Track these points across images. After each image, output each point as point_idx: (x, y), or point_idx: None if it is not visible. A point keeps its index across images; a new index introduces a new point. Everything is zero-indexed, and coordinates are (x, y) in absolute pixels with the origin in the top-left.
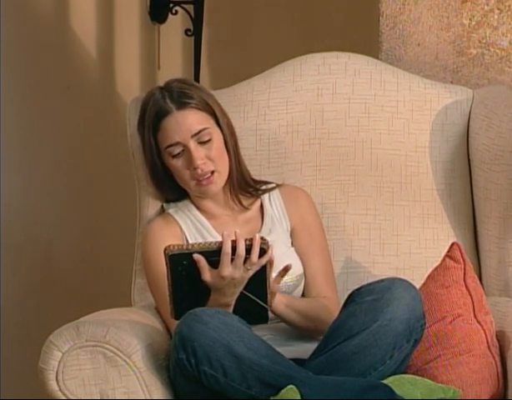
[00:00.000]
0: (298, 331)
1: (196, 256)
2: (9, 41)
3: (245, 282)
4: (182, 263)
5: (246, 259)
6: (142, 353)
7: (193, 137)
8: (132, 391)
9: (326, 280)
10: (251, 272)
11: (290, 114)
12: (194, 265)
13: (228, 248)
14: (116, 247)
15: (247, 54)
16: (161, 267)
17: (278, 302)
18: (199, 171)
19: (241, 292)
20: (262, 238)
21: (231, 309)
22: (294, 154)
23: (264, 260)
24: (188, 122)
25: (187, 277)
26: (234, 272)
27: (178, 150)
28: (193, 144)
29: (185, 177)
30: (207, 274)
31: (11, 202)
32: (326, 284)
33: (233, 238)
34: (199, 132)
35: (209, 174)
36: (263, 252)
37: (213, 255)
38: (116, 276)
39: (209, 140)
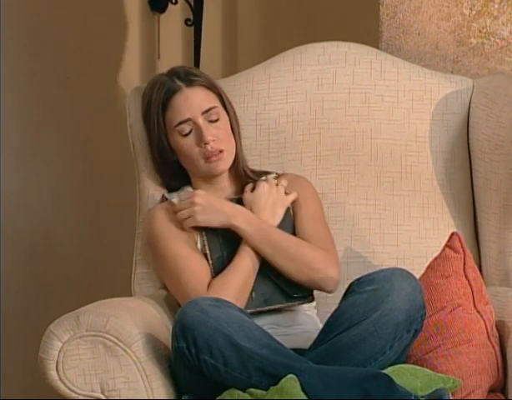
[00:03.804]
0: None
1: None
2: (8, 31)
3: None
4: None
5: None
6: (142, 343)
7: (202, 114)
8: (132, 380)
9: (325, 240)
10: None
11: (290, 104)
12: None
13: None
14: (116, 237)
15: (247, 44)
16: (176, 242)
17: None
18: (209, 147)
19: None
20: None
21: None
22: (294, 144)
23: (292, 196)
24: (198, 99)
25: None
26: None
27: (188, 128)
28: (202, 121)
29: (194, 156)
30: None
31: (10, 192)
32: (324, 243)
33: None
34: (209, 109)
35: (218, 152)
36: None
37: None
38: (116, 266)
39: (218, 120)
